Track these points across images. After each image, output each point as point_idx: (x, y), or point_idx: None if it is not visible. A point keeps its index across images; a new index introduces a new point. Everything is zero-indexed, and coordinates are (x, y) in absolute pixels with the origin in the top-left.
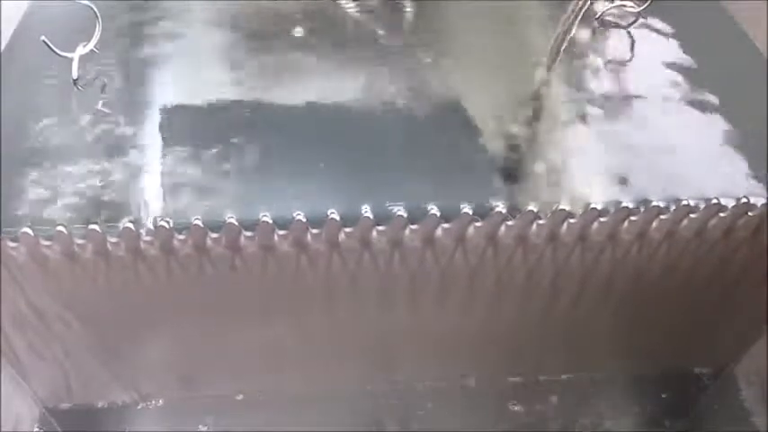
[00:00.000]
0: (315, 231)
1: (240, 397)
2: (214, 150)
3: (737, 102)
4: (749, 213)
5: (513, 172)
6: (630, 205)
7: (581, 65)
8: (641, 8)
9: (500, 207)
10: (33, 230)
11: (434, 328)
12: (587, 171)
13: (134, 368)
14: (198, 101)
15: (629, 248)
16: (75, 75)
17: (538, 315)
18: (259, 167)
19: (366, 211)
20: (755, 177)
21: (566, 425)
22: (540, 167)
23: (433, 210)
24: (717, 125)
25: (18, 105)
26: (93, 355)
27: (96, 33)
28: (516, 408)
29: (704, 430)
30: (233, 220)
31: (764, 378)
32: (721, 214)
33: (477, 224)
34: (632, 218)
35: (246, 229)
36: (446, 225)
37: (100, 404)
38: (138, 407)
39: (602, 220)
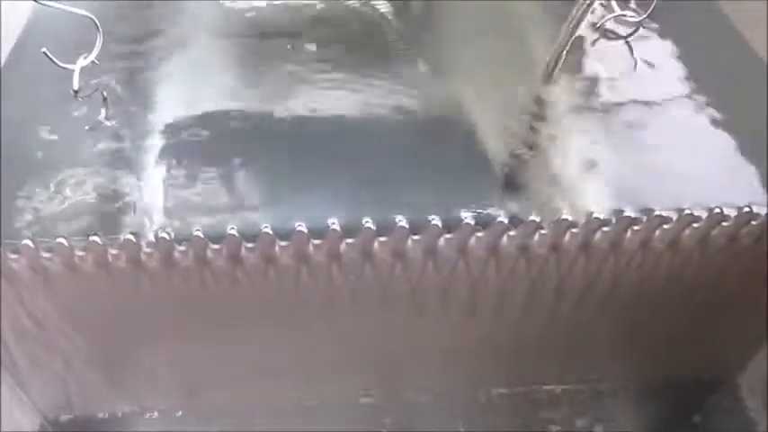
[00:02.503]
0: (316, 242)
1: (241, 408)
2: (215, 162)
3: (738, 109)
4: (752, 222)
5: (515, 182)
6: (633, 215)
7: (581, 74)
8: (641, 18)
9: (502, 217)
10: (34, 242)
11: (436, 339)
12: (589, 180)
13: (135, 379)
14: (199, 112)
15: (632, 258)
16: (76, 86)
17: (540, 325)
18: (260, 178)
19: (367, 221)
20: (758, 186)
21: None
22: (541, 177)
23: (435, 220)
24: (717, 133)
25: (19, 116)
26: (94, 367)
27: (97, 45)
28: (518, 418)
29: None
30: (234, 232)
31: (767, 386)
32: (724, 223)
33: (479, 234)
34: (635, 227)
35: (247, 241)
36: (448, 235)
37: (100, 415)
38: (139, 418)
39: (604, 229)
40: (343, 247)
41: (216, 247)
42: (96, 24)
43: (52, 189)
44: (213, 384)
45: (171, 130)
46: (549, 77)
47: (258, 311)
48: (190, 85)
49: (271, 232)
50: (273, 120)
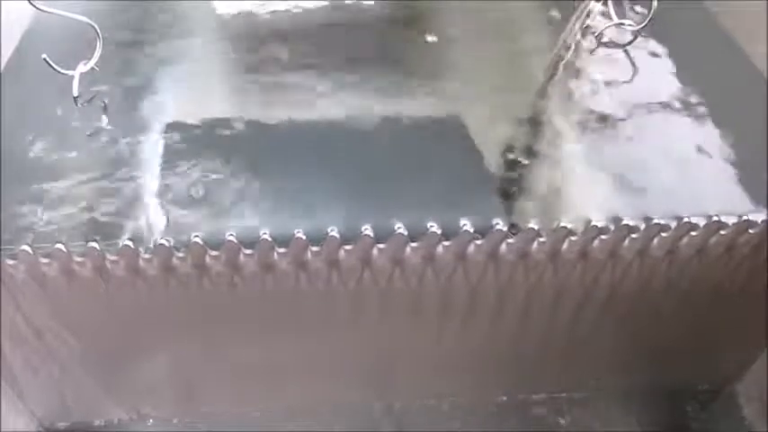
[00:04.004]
0: (315, 249)
1: (239, 414)
2: (214, 168)
3: (737, 120)
4: (750, 231)
5: (513, 190)
6: (631, 223)
7: (579, 84)
8: (639, 27)
9: (500, 225)
10: (32, 248)
11: (435, 346)
12: (587, 188)
13: (132, 386)
14: (197, 119)
15: (630, 266)
16: (75, 92)
17: (538, 333)
18: (259, 185)
19: (366, 228)
20: (755, 195)
21: None
22: (540, 185)
23: (434, 227)
24: (716, 143)
25: (19, 123)
26: (92, 374)
27: (97, 51)
28: (516, 426)
29: None
30: (232, 238)
31: (765, 395)
32: (722, 232)
33: (478, 242)
34: (633, 235)
35: (246, 247)
36: (447, 243)
37: (97, 423)
38: (137, 425)
39: (602, 237)
40: (341, 253)
41: (214, 253)
42: (96, 31)
43: (51, 194)
44: (211, 391)
45: (169, 136)
46: (547, 85)
47: (257, 318)
48: (187, 92)
49: (269, 239)
50: (272, 127)
